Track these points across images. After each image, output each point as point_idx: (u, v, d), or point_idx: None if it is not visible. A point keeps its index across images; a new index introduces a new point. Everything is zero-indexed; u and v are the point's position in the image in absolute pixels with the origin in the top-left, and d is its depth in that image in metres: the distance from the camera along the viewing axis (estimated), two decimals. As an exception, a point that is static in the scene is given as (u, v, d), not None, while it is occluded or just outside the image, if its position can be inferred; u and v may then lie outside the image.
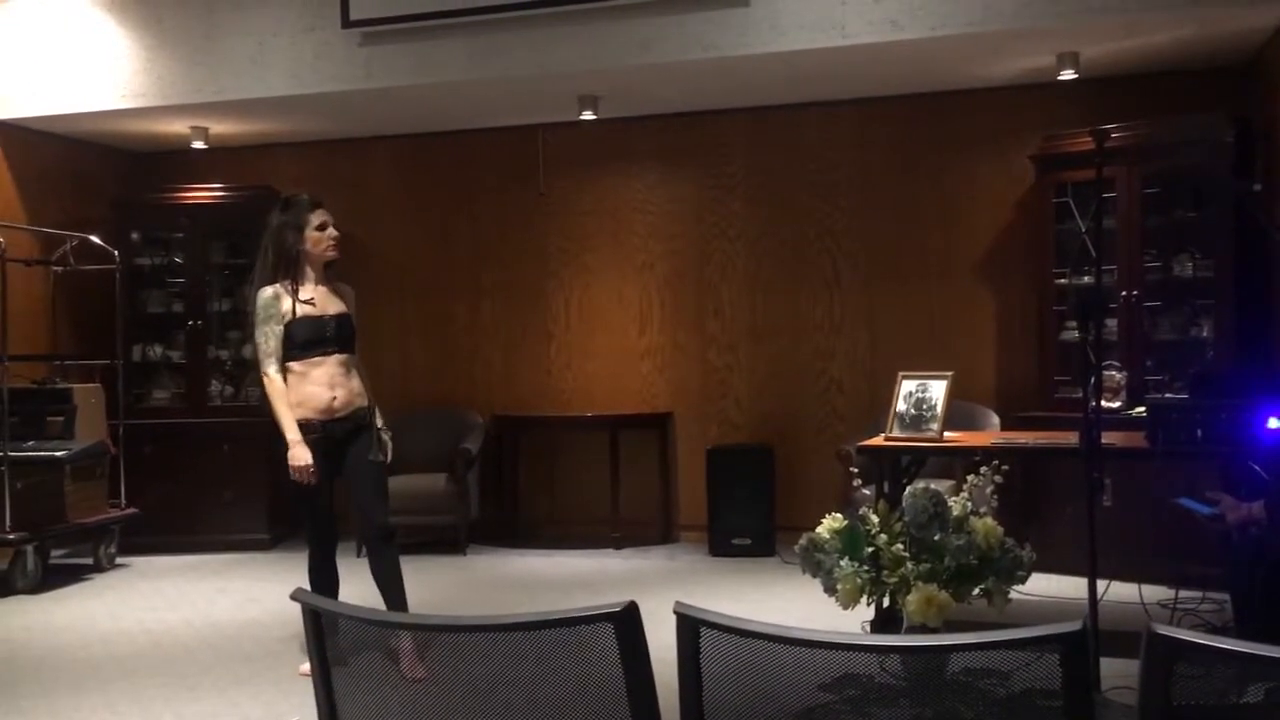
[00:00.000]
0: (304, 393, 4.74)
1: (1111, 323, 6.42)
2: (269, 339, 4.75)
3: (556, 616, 1.65)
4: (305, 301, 4.80)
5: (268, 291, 4.79)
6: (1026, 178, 7.04)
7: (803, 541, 4.29)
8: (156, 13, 7.29)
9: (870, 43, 6.25)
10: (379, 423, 4.88)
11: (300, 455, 4.64)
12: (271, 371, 4.74)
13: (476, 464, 7.83)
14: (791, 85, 7.22)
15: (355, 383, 4.86)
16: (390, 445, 4.91)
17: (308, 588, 5.43)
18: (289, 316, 4.77)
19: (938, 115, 7.44)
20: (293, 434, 4.67)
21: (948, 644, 1.56)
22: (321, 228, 4.86)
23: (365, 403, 4.88)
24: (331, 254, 4.86)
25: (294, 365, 4.76)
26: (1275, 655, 1.41)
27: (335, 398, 4.77)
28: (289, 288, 4.79)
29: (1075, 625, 1.46)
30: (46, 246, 7.80)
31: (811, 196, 7.73)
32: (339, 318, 4.85)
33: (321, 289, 4.87)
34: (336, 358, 4.79)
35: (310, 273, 4.87)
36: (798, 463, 7.63)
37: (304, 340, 4.75)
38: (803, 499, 7.37)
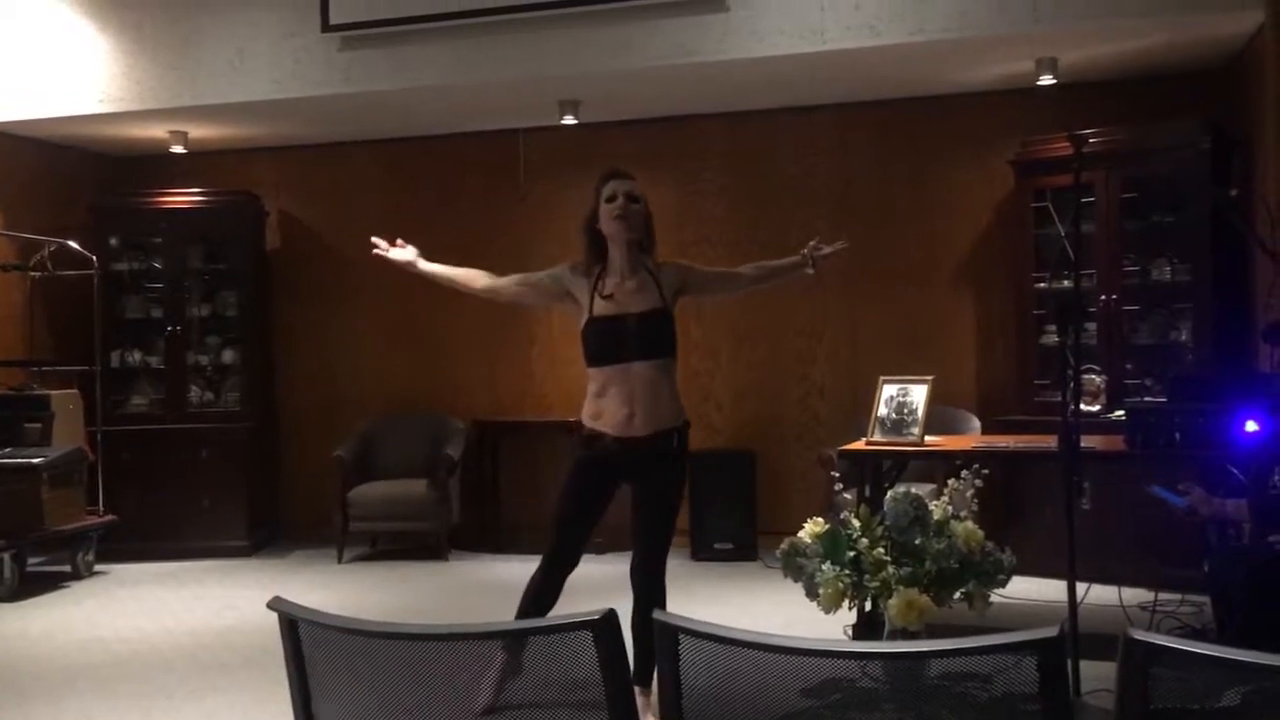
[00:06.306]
0: (597, 407, 3.98)
1: (1090, 327, 6.46)
2: (530, 273, 4.26)
3: (536, 624, 1.65)
4: (605, 297, 3.94)
5: (567, 264, 4.12)
6: (1006, 182, 7.06)
7: (785, 546, 4.30)
8: (136, 17, 7.26)
9: (849, 48, 6.26)
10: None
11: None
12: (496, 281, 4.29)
13: (458, 469, 7.81)
14: (771, 90, 7.23)
15: (665, 397, 3.97)
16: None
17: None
18: (585, 314, 3.98)
19: (917, 120, 7.46)
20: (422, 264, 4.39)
21: (927, 650, 1.56)
22: (610, 199, 3.97)
23: (676, 423, 4.01)
24: (623, 232, 3.93)
25: (592, 373, 4.01)
26: (1250, 660, 1.42)
27: (633, 415, 3.93)
28: (593, 280, 3.99)
29: (1052, 631, 1.47)
30: (24, 251, 7.75)
31: (791, 201, 7.74)
32: (643, 316, 3.93)
33: (630, 281, 3.98)
34: (639, 368, 3.92)
35: (617, 260, 3.98)
36: (779, 467, 7.63)
37: (595, 350, 3.97)
38: (784, 503, 7.37)
